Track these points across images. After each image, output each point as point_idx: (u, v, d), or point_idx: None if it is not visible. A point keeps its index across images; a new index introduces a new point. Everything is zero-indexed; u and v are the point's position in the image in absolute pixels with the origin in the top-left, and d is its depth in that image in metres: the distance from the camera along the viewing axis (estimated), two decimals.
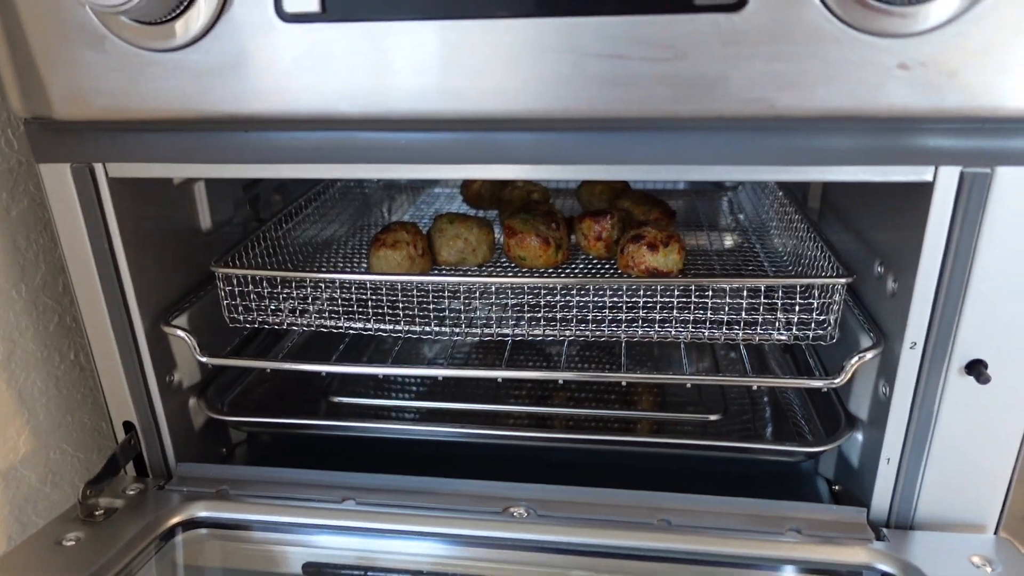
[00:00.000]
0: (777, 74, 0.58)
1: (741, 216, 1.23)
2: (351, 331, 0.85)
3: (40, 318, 0.92)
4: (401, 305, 0.86)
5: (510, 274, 0.94)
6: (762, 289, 0.81)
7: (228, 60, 0.63)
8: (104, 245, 0.77)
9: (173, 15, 0.63)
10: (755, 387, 0.96)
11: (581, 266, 0.98)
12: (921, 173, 0.64)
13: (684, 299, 0.85)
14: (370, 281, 0.85)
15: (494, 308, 0.86)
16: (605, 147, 0.64)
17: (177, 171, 0.73)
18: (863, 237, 0.90)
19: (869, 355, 0.76)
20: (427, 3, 0.60)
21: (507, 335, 0.84)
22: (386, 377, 1.03)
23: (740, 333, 0.82)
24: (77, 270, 0.78)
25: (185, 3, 0.62)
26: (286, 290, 0.87)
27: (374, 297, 0.87)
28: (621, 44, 0.59)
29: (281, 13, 0.62)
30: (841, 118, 0.60)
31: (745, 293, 0.80)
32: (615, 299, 0.85)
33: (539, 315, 0.86)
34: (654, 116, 0.60)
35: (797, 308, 0.83)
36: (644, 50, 0.59)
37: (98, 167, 0.74)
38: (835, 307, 0.80)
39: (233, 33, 0.62)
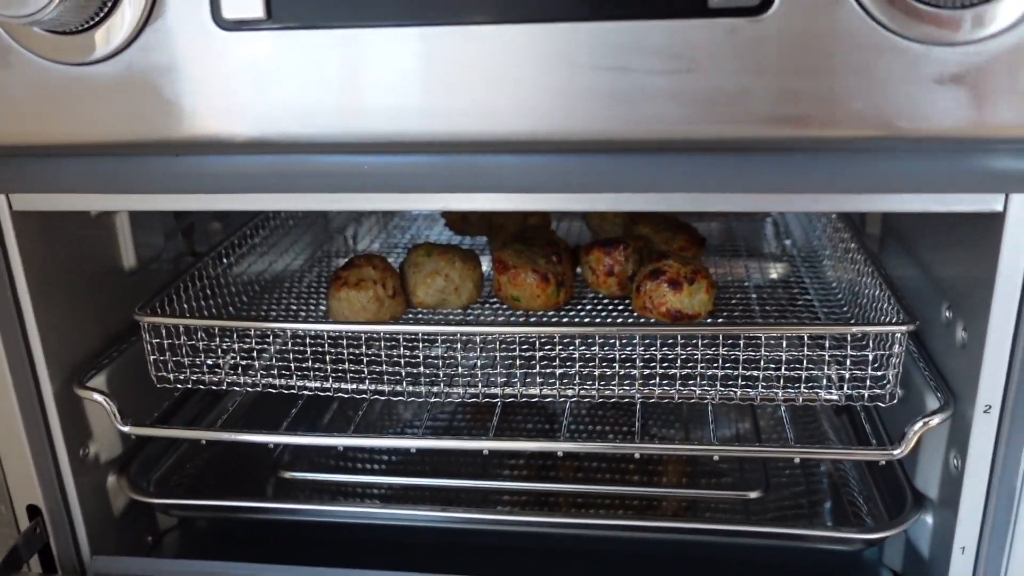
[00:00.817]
0: (807, 88, 0.59)
1: (788, 242, 1.22)
2: (306, 391, 0.85)
3: None
4: (367, 359, 0.85)
5: (501, 319, 0.94)
6: (806, 339, 0.82)
7: (156, 75, 0.64)
8: (6, 292, 0.78)
9: (92, 23, 0.64)
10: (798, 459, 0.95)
11: (588, 308, 0.97)
12: (989, 202, 0.65)
13: (712, 350, 0.83)
14: (328, 331, 0.83)
15: (481, 361, 0.85)
16: (607, 173, 0.65)
17: (96, 203, 0.75)
18: (929, 272, 0.90)
19: (936, 420, 0.76)
20: (393, 7, 0.61)
21: (496, 396, 0.84)
22: (349, 447, 1.03)
23: (781, 392, 0.81)
24: None
25: (106, 9, 0.64)
26: (226, 342, 0.86)
27: (334, 350, 0.86)
28: (623, 54, 0.60)
29: (219, 20, 0.63)
30: (885, 138, 0.61)
31: (785, 343, 0.82)
32: (629, 350, 0.83)
33: (536, 370, 0.85)
34: (663, 138, 0.61)
35: (849, 361, 0.85)
36: (650, 61, 0.60)
37: None
38: (895, 360, 0.80)
39: (162, 43, 0.63)
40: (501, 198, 0.68)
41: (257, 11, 0.62)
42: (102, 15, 0.64)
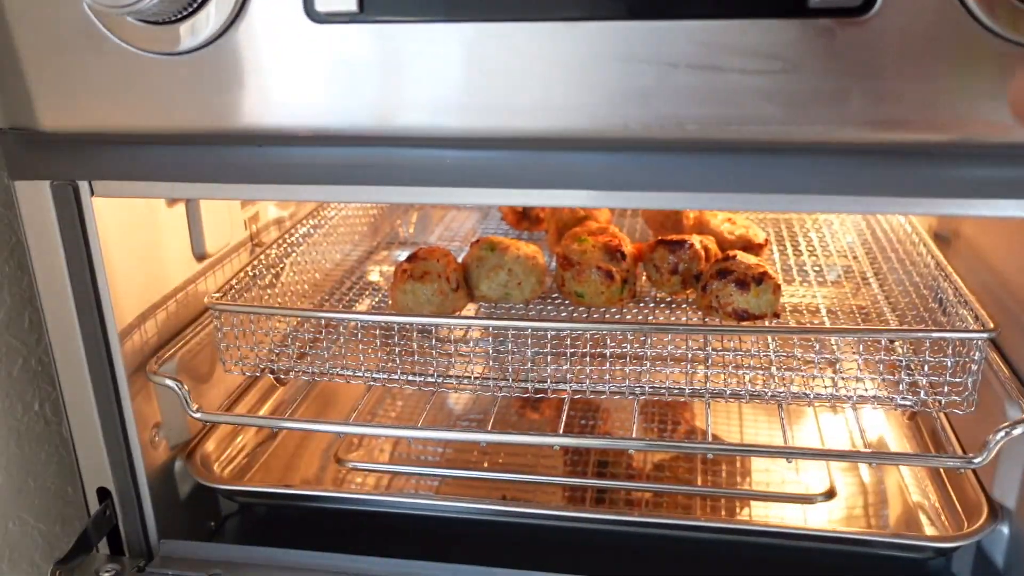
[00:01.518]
0: (910, 91, 0.59)
1: (848, 238, 1.21)
2: (372, 383, 0.86)
3: (1, 360, 0.92)
4: (435, 352, 0.86)
5: (564, 315, 0.94)
6: (882, 343, 0.80)
7: (244, 66, 0.65)
8: (85, 276, 0.79)
9: (185, 14, 0.65)
10: (873, 464, 0.95)
11: (651, 306, 0.96)
12: None
13: (782, 350, 0.85)
14: (397, 323, 0.84)
15: (548, 357, 0.86)
16: (692, 172, 0.65)
17: (176, 191, 0.75)
18: (1004, 275, 0.88)
19: (1019, 430, 0.75)
20: (489, 2, 0.61)
21: (564, 391, 0.84)
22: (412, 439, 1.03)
23: (854, 395, 0.79)
24: (51, 304, 0.80)
25: (199, 2, 0.64)
26: (294, 331, 0.90)
27: (401, 342, 0.87)
28: (716, 53, 0.60)
29: (312, 13, 0.64)
30: (985, 144, 0.60)
31: (861, 348, 0.81)
32: (697, 349, 0.85)
33: (603, 367, 0.85)
34: (758, 139, 0.61)
35: (926, 367, 0.84)
36: (745, 60, 0.60)
37: (83, 185, 0.76)
38: (974, 367, 0.79)
39: (252, 35, 0.65)
40: (582, 195, 0.68)
41: (351, 4, 0.62)
42: (195, 7, 0.64)
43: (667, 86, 0.62)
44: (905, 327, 0.91)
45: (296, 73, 0.66)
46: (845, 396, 0.82)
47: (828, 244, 1.21)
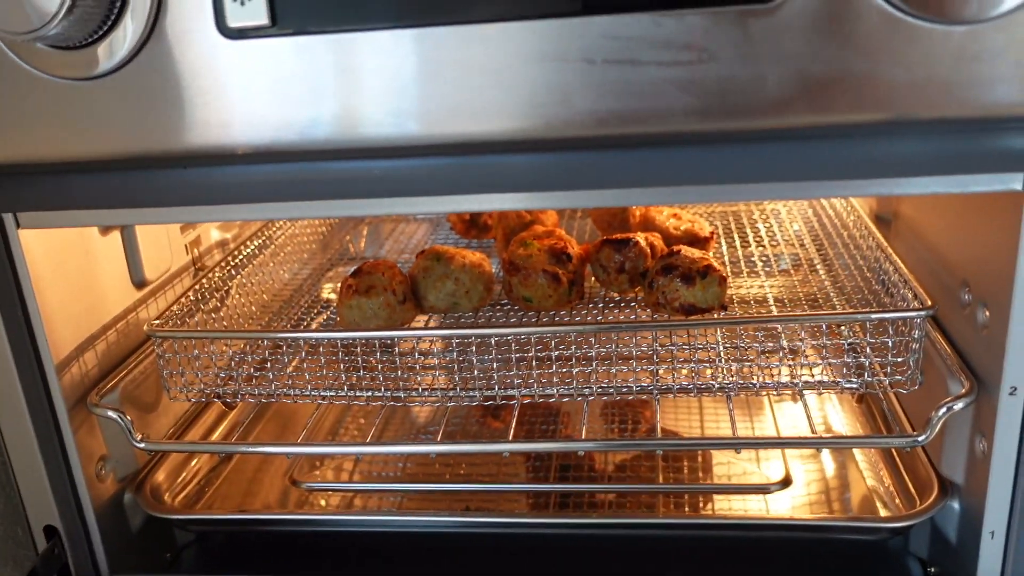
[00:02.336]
0: (824, 74, 0.59)
1: (795, 227, 1.22)
2: (321, 401, 0.85)
3: None
4: (381, 366, 0.85)
5: (514, 321, 0.94)
6: (824, 328, 0.81)
7: (161, 86, 0.64)
8: (16, 310, 0.77)
9: (95, 38, 0.64)
10: (820, 450, 0.95)
11: (600, 306, 0.97)
12: (1007, 182, 0.64)
13: (730, 342, 0.85)
14: (341, 339, 0.84)
15: (496, 363, 0.85)
16: (616, 168, 0.65)
17: (104, 218, 0.75)
18: (942, 254, 0.89)
19: (960, 404, 0.75)
20: (397, 7, 0.60)
21: (514, 396, 0.84)
22: (366, 455, 1.02)
23: (800, 382, 0.80)
24: None
25: (109, 23, 0.63)
26: (239, 354, 0.89)
27: (348, 358, 0.87)
28: (632, 47, 0.59)
29: (224, 29, 0.63)
30: (904, 122, 0.60)
31: (805, 335, 0.81)
32: (645, 347, 0.84)
33: (552, 370, 0.85)
34: (681, 130, 0.61)
35: (868, 348, 0.83)
36: (660, 53, 0.59)
37: (7, 218, 0.75)
38: (915, 345, 0.79)
39: (168, 55, 0.63)
40: (510, 198, 0.67)
41: (261, 18, 0.62)
42: (105, 29, 0.63)
43: (586, 83, 0.61)
44: (847, 311, 0.90)
45: (216, 91, 0.64)
46: (791, 383, 0.82)
47: (776, 234, 1.22)
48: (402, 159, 0.67)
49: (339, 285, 0.96)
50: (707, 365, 0.86)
